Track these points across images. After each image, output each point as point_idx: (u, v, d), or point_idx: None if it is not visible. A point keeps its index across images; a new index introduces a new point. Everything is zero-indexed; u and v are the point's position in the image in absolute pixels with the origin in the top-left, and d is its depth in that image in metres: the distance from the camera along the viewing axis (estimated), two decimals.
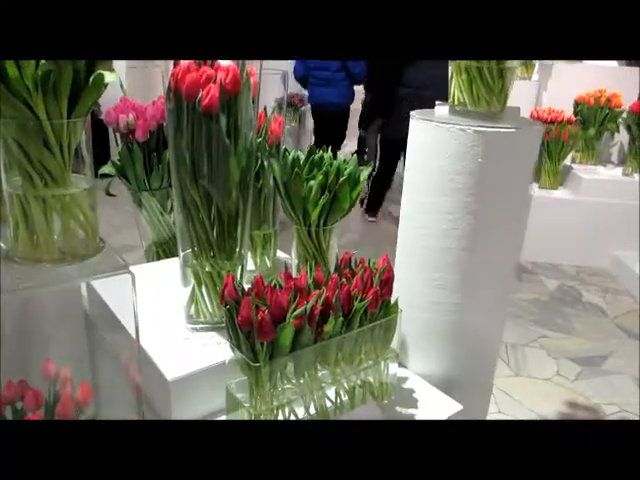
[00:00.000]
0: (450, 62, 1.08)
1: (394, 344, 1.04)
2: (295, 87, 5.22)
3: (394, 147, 3.91)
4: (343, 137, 4.71)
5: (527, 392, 1.98)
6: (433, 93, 3.63)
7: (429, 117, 1.05)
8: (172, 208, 1.44)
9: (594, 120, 3.22)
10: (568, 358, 2.25)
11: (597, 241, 3.13)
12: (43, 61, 0.65)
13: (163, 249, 1.46)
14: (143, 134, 1.27)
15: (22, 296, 0.80)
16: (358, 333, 0.94)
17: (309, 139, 5.13)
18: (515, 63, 1.05)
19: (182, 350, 0.99)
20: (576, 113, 3.31)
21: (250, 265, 1.24)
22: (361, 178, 1.05)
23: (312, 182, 1.00)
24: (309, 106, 4.89)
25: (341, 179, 1.00)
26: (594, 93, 3.24)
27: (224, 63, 0.95)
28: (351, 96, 4.42)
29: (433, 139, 1.03)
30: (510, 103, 1.11)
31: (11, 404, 0.85)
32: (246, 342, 0.83)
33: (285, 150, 1.07)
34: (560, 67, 3.46)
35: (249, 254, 1.25)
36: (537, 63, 3.77)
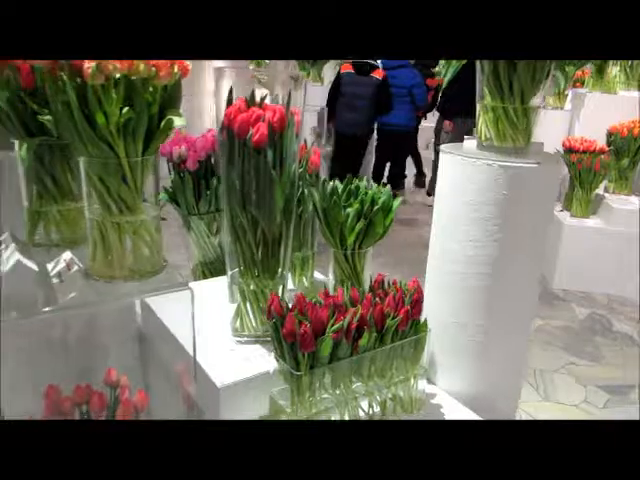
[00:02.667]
0: (477, 100, 1.17)
1: (423, 361, 1.12)
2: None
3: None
4: (407, 154, 5.37)
5: (555, 418, 2.00)
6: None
7: (457, 151, 1.15)
8: (217, 230, 1.56)
9: (627, 150, 3.25)
10: (597, 386, 2.26)
11: (629, 271, 3.13)
12: (126, 109, 0.77)
13: (208, 268, 1.58)
14: (194, 164, 1.40)
15: (97, 309, 0.92)
16: (390, 349, 1.02)
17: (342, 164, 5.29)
18: (537, 102, 1.14)
19: (229, 360, 1.09)
20: (609, 143, 3.34)
21: (289, 285, 1.34)
22: (393, 206, 1.14)
23: (349, 209, 1.10)
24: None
25: (375, 207, 1.09)
26: (628, 124, 3.27)
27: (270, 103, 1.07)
28: (414, 119, 5.01)
29: (461, 172, 1.11)
30: (543, 132, 1.20)
31: (78, 406, 0.96)
32: (290, 353, 0.92)
33: (324, 180, 1.18)
34: (593, 97, 3.50)
35: (289, 274, 1.35)
36: (570, 93, 3.82)
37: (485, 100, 1.14)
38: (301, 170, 1.26)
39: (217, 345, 1.15)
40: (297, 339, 0.89)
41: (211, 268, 1.59)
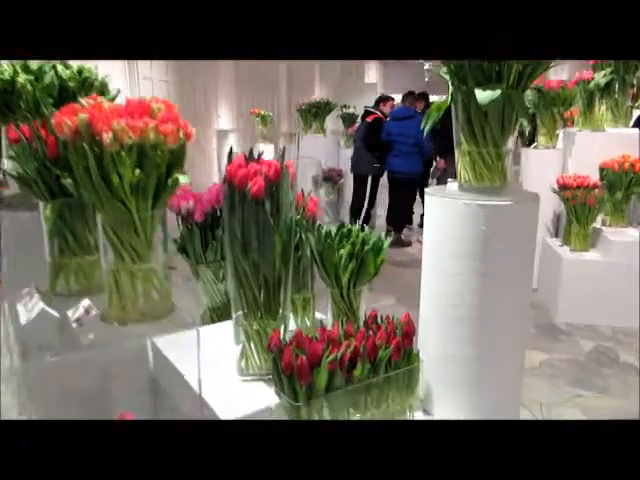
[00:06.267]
0: (455, 145, 1.29)
1: (418, 392, 1.18)
2: (333, 162, 5.66)
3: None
4: (414, 198, 5.77)
5: None
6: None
7: (440, 193, 1.25)
8: (224, 277, 1.66)
9: (620, 184, 3.35)
10: (603, 417, 2.28)
11: (632, 301, 3.17)
12: (137, 171, 0.88)
13: (216, 313, 1.66)
14: (200, 216, 1.51)
15: (112, 350, 1.00)
16: (384, 379, 1.09)
17: (347, 210, 5.45)
18: (509, 146, 1.25)
19: (234, 397, 1.16)
20: (602, 178, 3.45)
21: (292, 326, 1.42)
22: (384, 247, 1.24)
23: (342, 251, 1.20)
24: (348, 179, 5.42)
25: (366, 247, 1.19)
26: (618, 159, 3.39)
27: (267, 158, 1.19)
28: (420, 166, 5.46)
29: (444, 212, 1.21)
30: (537, 171, 1.29)
31: None
32: (288, 385, 1.00)
33: (319, 225, 1.28)
34: (583, 135, 3.64)
35: (291, 316, 1.43)
36: (560, 132, 3.97)
37: (462, 146, 1.25)
38: (298, 217, 1.37)
39: (224, 384, 1.22)
40: (294, 371, 0.97)
41: (218, 313, 1.68)
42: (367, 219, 5.53)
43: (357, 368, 1.02)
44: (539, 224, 1.31)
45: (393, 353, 1.07)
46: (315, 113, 5.65)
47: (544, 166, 3.68)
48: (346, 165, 5.60)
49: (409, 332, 1.10)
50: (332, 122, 6.38)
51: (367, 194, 5.47)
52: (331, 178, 5.35)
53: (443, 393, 1.27)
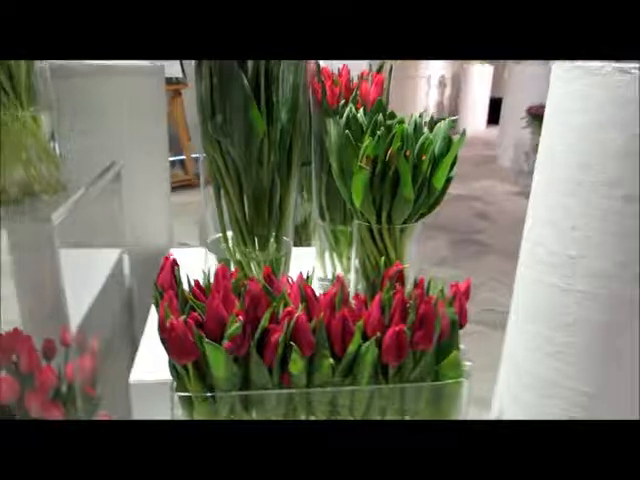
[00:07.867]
0: None
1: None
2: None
3: None
4: None
5: None
6: None
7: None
8: None
9: None
10: None
11: None
12: None
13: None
14: None
15: None
16: (370, 393, 0.58)
17: None
18: None
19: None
20: None
21: (328, 270, 0.95)
22: (449, 153, 0.67)
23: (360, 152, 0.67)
24: None
25: (400, 147, 0.64)
26: None
27: None
28: None
29: (575, 92, 0.59)
30: None
31: None
32: (170, 362, 0.56)
33: (350, 107, 0.75)
34: None
35: (327, 256, 0.96)
36: None
37: None
38: (344, 102, 0.85)
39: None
40: (168, 336, 0.53)
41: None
42: None
43: (293, 362, 0.53)
44: None
45: (386, 350, 0.55)
46: None
47: None
48: None
49: (426, 317, 0.55)
50: None
51: None
52: (539, 116, 4.32)
53: None
